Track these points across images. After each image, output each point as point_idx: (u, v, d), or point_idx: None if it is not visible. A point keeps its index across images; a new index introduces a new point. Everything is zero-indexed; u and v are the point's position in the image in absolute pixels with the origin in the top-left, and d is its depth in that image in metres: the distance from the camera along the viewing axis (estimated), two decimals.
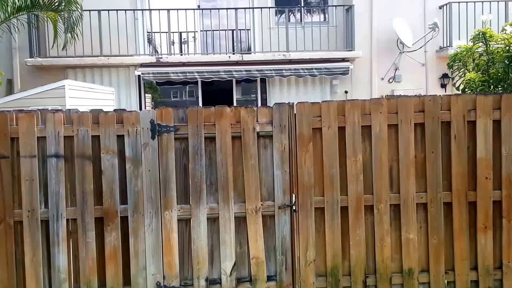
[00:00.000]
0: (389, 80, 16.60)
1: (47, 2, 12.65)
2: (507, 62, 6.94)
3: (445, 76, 15.97)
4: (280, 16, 17.71)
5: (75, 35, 13.52)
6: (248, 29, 17.45)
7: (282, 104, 5.78)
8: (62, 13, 13.31)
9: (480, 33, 7.31)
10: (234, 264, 5.75)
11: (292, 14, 17.96)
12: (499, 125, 5.85)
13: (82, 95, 11.14)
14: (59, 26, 13.67)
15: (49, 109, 5.72)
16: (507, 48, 6.94)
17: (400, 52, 16.37)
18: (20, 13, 12.71)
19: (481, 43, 7.35)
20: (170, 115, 5.62)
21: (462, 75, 7.62)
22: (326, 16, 17.92)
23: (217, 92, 16.92)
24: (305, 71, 15.65)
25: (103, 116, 5.57)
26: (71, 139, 5.54)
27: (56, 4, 12.85)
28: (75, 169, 5.55)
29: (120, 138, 5.59)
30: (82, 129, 5.52)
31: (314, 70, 15.67)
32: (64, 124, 5.54)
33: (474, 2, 15.15)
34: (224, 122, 5.65)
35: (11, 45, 15.44)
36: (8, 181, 5.52)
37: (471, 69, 7.44)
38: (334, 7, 17.25)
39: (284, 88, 16.31)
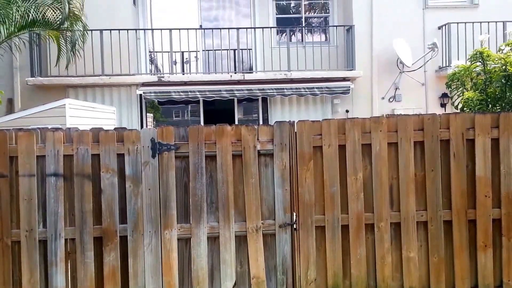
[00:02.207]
0: (389, 99, 16.58)
1: (50, 20, 12.64)
2: (504, 81, 6.95)
3: (444, 95, 15.96)
4: (281, 36, 17.77)
5: (77, 54, 13.43)
6: (249, 49, 17.50)
7: (283, 122, 5.76)
8: (65, 32, 13.30)
9: (478, 53, 7.32)
10: (235, 283, 5.70)
11: (293, 34, 18.01)
12: (498, 143, 5.85)
13: (83, 114, 11.11)
14: (61, 45, 13.65)
15: (49, 128, 5.66)
16: (504, 67, 6.94)
17: (400, 72, 16.38)
18: (22, 32, 12.71)
19: (479, 63, 7.35)
20: (171, 134, 5.60)
21: (461, 94, 7.62)
22: (327, 36, 17.96)
23: (218, 112, 16.91)
24: (306, 90, 15.64)
25: (103, 134, 5.55)
26: (70, 157, 5.52)
27: (59, 22, 12.85)
28: (74, 188, 5.53)
29: (120, 156, 5.57)
30: (82, 148, 5.50)
31: (315, 89, 15.66)
32: (63, 143, 5.52)
33: (473, 23, 15.18)
34: (225, 141, 5.64)
35: (12, 64, 15.35)
36: (7, 200, 5.49)
37: (469, 88, 7.44)
38: (335, 27, 17.28)
39: (286, 107, 16.29)
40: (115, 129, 5.67)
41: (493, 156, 5.85)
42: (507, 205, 5.86)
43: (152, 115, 17.15)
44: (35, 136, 5.51)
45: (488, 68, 7.26)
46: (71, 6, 12.62)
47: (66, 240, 5.54)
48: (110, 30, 14.95)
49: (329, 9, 18.05)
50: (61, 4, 12.48)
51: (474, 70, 7.43)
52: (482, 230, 5.84)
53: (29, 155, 5.47)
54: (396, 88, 16.56)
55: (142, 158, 5.55)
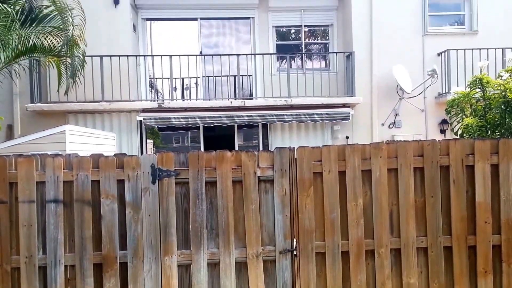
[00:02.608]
0: (389, 126, 16.64)
1: (50, 46, 12.71)
2: (504, 107, 6.96)
3: (444, 121, 16.03)
4: (281, 63, 17.88)
5: (77, 80, 13.45)
6: (250, 75, 17.62)
7: (283, 148, 5.78)
8: (65, 58, 13.37)
9: (477, 79, 7.35)
10: None
11: (293, 61, 18.12)
12: (497, 169, 5.86)
13: (83, 140, 11.12)
14: (61, 71, 13.66)
15: (49, 154, 5.67)
16: (503, 93, 6.97)
17: (400, 98, 16.46)
18: (22, 58, 12.77)
19: (478, 89, 7.38)
20: (171, 160, 5.61)
21: (460, 120, 7.65)
22: (327, 62, 18.07)
23: (219, 138, 16.95)
24: (307, 116, 15.69)
25: (103, 160, 5.56)
26: (70, 183, 5.53)
27: (59, 49, 12.92)
28: (74, 214, 5.52)
29: (120, 182, 5.57)
30: (82, 174, 5.51)
31: (315, 116, 15.71)
32: (63, 169, 5.53)
33: (472, 49, 15.31)
34: (225, 167, 5.65)
35: (12, 90, 15.44)
36: (6, 226, 5.49)
37: (468, 114, 7.46)
38: (335, 54, 17.40)
39: (286, 133, 16.33)
40: (115, 155, 5.67)
41: (493, 182, 5.85)
42: (507, 231, 5.86)
43: (152, 141, 17.17)
44: (35, 162, 5.52)
45: (488, 94, 7.29)
46: (72, 32, 12.71)
47: (66, 266, 5.52)
48: (110, 56, 15.09)
49: (329, 36, 18.18)
50: (61, 31, 12.57)
51: (473, 96, 7.46)
52: (482, 256, 5.83)
53: (29, 181, 5.48)
54: (396, 115, 16.62)
55: (142, 184, 5.56)
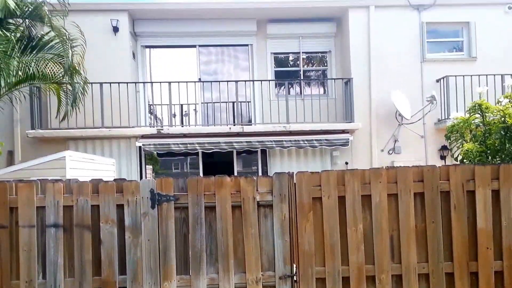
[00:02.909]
0: (388, 152, 16.66)
1: (50, 74, 12.80)
2: (504, 133, 6.98)
3: (444, 147, 16.05)
4: (280, 89, 17.94)
5: (77, 107, 13.59)
6: (248, 102, 17.71)
7: (282, 173, 5.79)
8: (65, 85, 13.47)
9: (476, 105, 7.37)
10: None
11: (291, 87, 18.19)
12: (498, 195, 5.84)
13: (83, 166, 11.15)
14: (62, 98, 13.88)
15: (49, 179, 5.68)
16: (503, 119, 6.98)
17: (399, 124, 16.50)
18: (23, 85, 12.89)
19: (478, 114, 7.40)
20: (170, 185, 5.61)
21: (460, 146, 7.65)
22: (325, 88, 18.15)
23: (218, 164, 16.97)
24: (306, 142, 15.72)
25: (102, 185, 5.57)
26: (70, 208, 5.53)
27: (60, 76, 13.03)
28: (74, 238, 5.52)
29: (120, 207, 5.57)
30: (82, 199, 5.52)
31: (315, 142, 15.75)
32: (63, 194, 5.53)
33: (471, 76, 15.35)
34: (224, 192, 5.65)
35: (13, 117, 15.54)
36: (7, 251, 5.48)
37: (468, 140, 7.47)
38: (333, 80, 17.49)
39: (285, 159, 16.34)
40: (114, 180, 5.69)
41: (494, 208, 5.82)
42: (509, 257, 5.82)
43: (151, 167, 17.18)
44: (35, 187, 5.53)
45: (487, 120, 7.31)
46: (72, 59, 12.81)
47: None
48: (110, 83, 15.23)
49: (327, 62, 18.29)
50: (62, 58, 12.69)
51: (473, 122, 7.48)
52: (484, 283, 5.78)
53: (29, 206, 5.49)
54: (396, 141, 16.66)
55: (142, 209, 5.56)
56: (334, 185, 5.74)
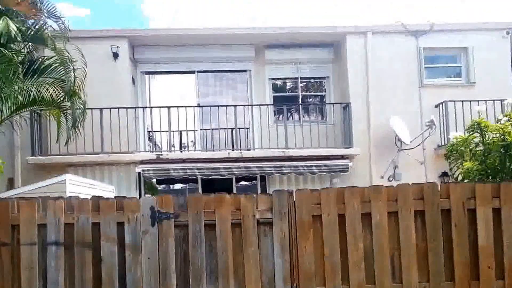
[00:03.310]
0: (388, 178, 16.61)
1: (51, 98, 12.91)
2: (503, 151, 6.99)
3: (445, 174, 15.93)
4: (278, 116, 18.00)
5: (77, 132, 13.76)
6: (247, 128, 17.74)
7: (282, 191, 5.80)
8: (66, 110, 13.57)
9: (475, 123, 7.39)
10: None
11: (290, 115, 18.28)
12: (499, 213, 5.82)
13: (82, 191, 11.14)
14: (62, 123, 14.01)
15: (51, 197, 5.71)
16: (502, 137, 7.00)
17: (398, 150, 16.50)
18: (24, 110, 13.00)
19: (477, 133, 7.42)
20: (170, 202, 5.62)
21: (460, 166, 7.65)
22: (324, 114, 18.22)
23: (217, 191, 16.90)
24: (305, 168, 15.77)
25: (103, 203, 5.58)
26: (71, 226, 5.53)
27: (60, 101, 13.14)
28: (74, 256, 5.51)
29: (120, 225, 5.57)
30: (82, 216, 5.52)
31: (314, 168, 15.79)
32: (64, 211, 5.54)
33: (470, 101, 15.30)
34: (224, 209, 5.66)
35: (13, 143, 15.65)
36: (8, 268, 5.48)
37: (468, 159, 7.47)
38: (332, 105, 17.58)
39: (284, 186, 16.28)
40: (115, 197, 5.72)
41: (495, 226, 5.79)
42: (510, 276, 5.77)
43: (150, 195, 17.15)
44: (37, 205, 5.55)
45: (486, 139, 7.32)
46: (73, 84, 12.95)
47: None
48: (110, 108, 15.35)
49: (325, 88, 18.39)
50: (63, 82, 12.81)
51: (472, 141, 7.49)
52: None
53: (31, 223, 5.50)
54: (395, 167, 16.64)
55: (142, 226, 5.55)
56: (334, 203, 5.74)
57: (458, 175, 7.75)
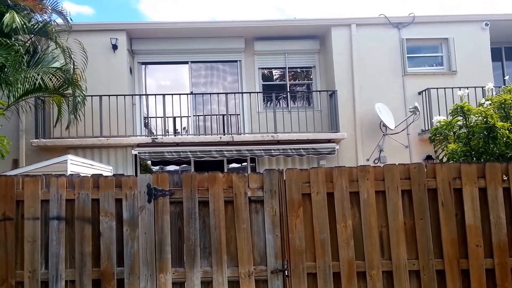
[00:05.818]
0: (374, 161, 16.58)
1: (54, 86, 13.11)
2: (487, 133, 6.94)
3: (429, 157, 15.95)
4: (267, 103, 18.00)
5: (78, 117, 14.18)
6: (238, 114, 17.85)
7: (272, 170, 5.77)
8: (67, 97, 13.76)
9: (458, 107, 7.34)
10: None
11: (278, 102, 18.30)
12: (485, 193, 5.77)
13: (83, 171, 11.12)
14: (64, 109, 14.35)
15: (53, 174, 5.70)
16: (485, 120, 6.95)
17: (383, 134, 16.49)
18: (29, 96, 13.24)
19: (460, 117, 7.37)
20: (165, 180, 5.60)
21: (444, 148, 7.60)
22: (311, 101, 18.21)
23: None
24: (293, 151, 15.75)
25: (103, 180, 5.57)
26: (72, 202, 5.53)
27: (62, 88, 13.36)
28: (75, 231, 5.50)
29: (118, 201, 5.56)
30: (83, 193, 5.51)
31: (302, 150, 15.76)
32: (66, 188, 5.53)
33: (452, 88, 15.30)
34: (217, 187, 5.63)
35: (19, 127, 15.81)
36: (12, 242, 5.48)
37: (452, 142, 7.43)
38: (318, 93, 17.60)
39: (273, 167, 16.12)
40: (113, 175, 5.68)
41: (481, 206, 5.75)
42: (499, 255, 5.71)
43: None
44: (40, 181, 5.55)
45: (470, 122, 7.27)
46: (73, 73, 13.35)
47: (66, 282, 5.46)
48: (109, 95, 15.54)
49: (312, 76, 18.39)
50: (65, 72, 13.04)
51: (456, 124, 7.44)
52: (476, 281, 5.65)
53: (34, 199, 5.50)
54: (381, 150, 16.64)
55: (139, 202, 5.53)
56: (322, 182, 5.70)
57: (443, 157, 7.71)
